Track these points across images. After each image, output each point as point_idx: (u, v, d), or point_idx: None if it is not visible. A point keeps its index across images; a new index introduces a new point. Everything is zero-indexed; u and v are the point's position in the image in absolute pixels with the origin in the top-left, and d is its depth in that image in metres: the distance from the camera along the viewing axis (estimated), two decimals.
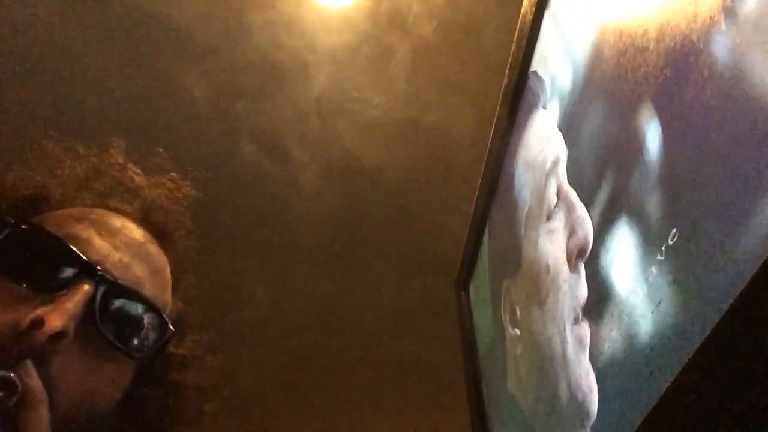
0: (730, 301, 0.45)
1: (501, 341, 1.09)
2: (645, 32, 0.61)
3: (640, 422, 0.58)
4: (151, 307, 0.55)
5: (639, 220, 0.60)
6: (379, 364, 2.86)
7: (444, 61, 1.93)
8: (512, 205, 1.06)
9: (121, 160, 0.66)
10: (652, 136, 0.59)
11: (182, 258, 0.65)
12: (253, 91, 1.97)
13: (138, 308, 0.54)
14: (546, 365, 0.89)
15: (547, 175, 0.89)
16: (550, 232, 0.88)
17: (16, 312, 0.47)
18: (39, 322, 0.46)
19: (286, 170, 2.17)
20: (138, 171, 0.66)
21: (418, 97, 2.02)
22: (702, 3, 0.51)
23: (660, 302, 0.56)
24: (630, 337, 0.61)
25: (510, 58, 1.03)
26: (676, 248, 0.54)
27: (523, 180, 1.01)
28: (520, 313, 1.02)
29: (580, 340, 0.77)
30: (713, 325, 0.47)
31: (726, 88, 0.48)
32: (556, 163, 0.86)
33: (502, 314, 1.11)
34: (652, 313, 0.57)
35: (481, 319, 1.25)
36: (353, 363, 2.84)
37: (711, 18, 0.50)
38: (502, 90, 1.07)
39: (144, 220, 0.62)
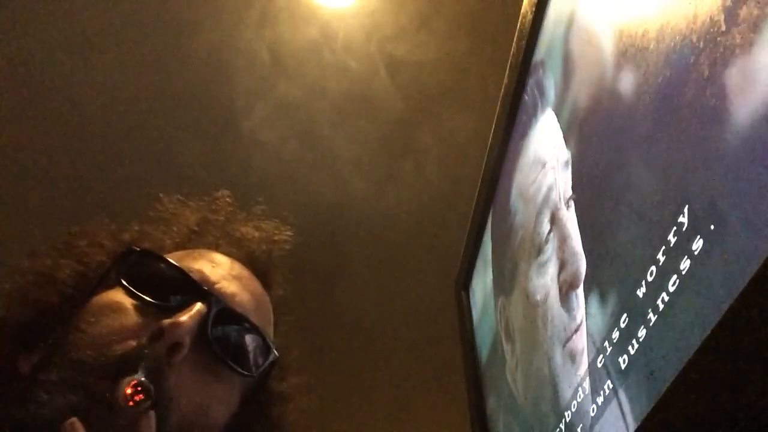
0: (730, 301, 0.45)
1: (500, 345, 1.10)
2: (645, 32, 0.61)
3: (640, 422, 0.58)
4: (257, 331, 0.59)
5: (639, 219, 0.60)
6: (379, 364, 2.86)
7: (444, 61, 1.93)
8: (508, 225, 1.06)
9: (227, 211, 0.72)
10: (652, 137, 0.59)
11: (281, 302, 0.69)
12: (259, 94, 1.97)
13: (245, 332, 0.59)
14: (536, 387, 0.89)
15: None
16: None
17: (141, 323, 0.52)
18: (160, 333, 0.50)
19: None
20: (242, 219, 0.72)
21: (418, 99, 2.02)
22: (702, 3, 0.51)
23: (660, 302, 0.56)
24: (630, 338, 0.61)
25: (510, 58, 1.03)
26: (676, 248, 0.54)
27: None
28: (513, 331, 1.03)
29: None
30: (713, 325, 0.47)
31: (726, 88, 0.48)
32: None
33: (499, 325, 1.11)
34: (651, 312, 0.57)
35: (486, 314, 1.25)
36: (352, 364, 2.84)
37: (711, 18, 0.50)
38: (502, 90, 1.07)
39: (248, 263, 0.67)
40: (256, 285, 0.64)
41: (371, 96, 2.01)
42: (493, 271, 1.17)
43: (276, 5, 1.78)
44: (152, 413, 0.47)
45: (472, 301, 1.35)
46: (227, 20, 1.81)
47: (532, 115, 0.96)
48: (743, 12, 0.46)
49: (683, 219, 0.53)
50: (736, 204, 0.46)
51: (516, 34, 1.00)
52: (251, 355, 0.59)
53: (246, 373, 0.58)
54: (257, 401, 0.62)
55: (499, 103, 1.08)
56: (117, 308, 0.53)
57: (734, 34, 0.47)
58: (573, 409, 0.76)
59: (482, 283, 1.25)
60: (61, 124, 1.96)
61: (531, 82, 0.97)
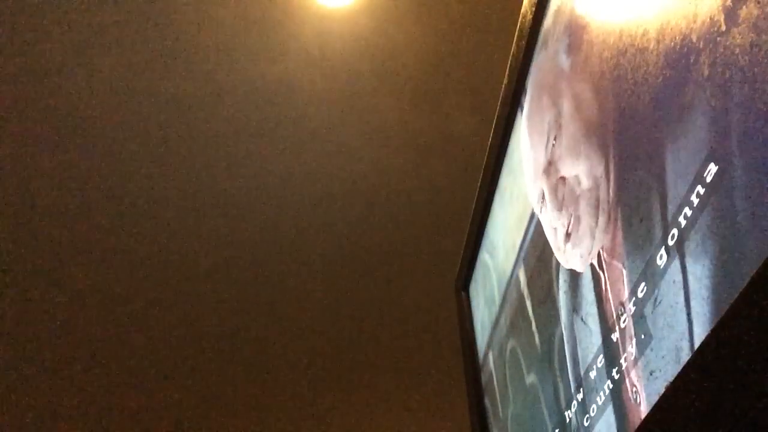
0: (731, 301, 0.45)
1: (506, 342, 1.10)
2: (645, 32, 0.61)
3: (640, 422, 0.58)
4: None
5: (639, 221, 0.60)
6: (379, 365, 2.86)
7: (444, 62, 1.93)
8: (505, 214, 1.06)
9: None
10: (651, 138, 0.59)
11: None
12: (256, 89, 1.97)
13: None
14: (537, 383, 0.89)
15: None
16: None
17: None
18: None
19: (290, 180, 2.17)
20: None
21: (418, 99, 2.02)
22: (702, 3, 0.51)
23: (659, 302, 0.56)
24: (629, 338, 0.61)
25: (510, 58, 1.03)
26: (676, 248, 0.54)
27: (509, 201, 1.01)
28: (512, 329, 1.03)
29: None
30: (713, 324, 0.47)
31: (726, 88, 0.48)
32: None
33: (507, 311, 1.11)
34: (651, 312, 0.57)
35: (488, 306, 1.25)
36: (353, 364, 2.84)
37: (711, 18, 0.50)
38: (502, 90, 1.07)
39: None
40: None
41: (371, 94, 2.01)
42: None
43: (276, 5, 1.78)
44: None
45: (473, 295, 1.36)
46: (227, 20, 1.81)
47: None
48: (743, 12, 0.46)
49: (683, 219, 0.53)
50: (736, 204, 0.46)
51: (516, 34, 1.00)
52: None
53: None
54: None
55: (499, 103, 1.08)
56: None
57: (734, 34, 0.47)
58: (573, 409, 0.76)
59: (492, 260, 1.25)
60: (63, 125, 1.95)
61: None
